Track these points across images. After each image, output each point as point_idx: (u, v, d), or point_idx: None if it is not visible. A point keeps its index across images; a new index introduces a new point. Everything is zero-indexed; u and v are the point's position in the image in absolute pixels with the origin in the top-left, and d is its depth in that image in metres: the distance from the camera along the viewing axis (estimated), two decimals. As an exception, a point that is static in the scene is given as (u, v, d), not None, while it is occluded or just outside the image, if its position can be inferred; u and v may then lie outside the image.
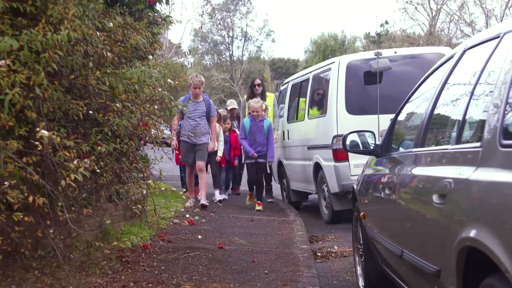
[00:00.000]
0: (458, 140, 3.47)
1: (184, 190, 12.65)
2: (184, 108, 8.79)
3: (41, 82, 4.82)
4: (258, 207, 11.48)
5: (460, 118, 3.52)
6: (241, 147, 12.48)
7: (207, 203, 11.06)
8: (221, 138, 12.73)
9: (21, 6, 5.03)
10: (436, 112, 4.16)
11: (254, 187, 11.92)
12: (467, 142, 3.36)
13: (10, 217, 4.81)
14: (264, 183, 12.46)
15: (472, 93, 3.44)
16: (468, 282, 3.00)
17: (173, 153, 11.57)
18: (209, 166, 12.37)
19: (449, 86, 4.09)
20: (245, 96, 13.24)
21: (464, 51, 4.00)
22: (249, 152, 11.62)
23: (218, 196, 12.47)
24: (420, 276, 3.90)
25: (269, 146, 11.66)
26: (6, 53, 4.66)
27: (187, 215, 9.46)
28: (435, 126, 4.21)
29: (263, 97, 12.57)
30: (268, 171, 12.49)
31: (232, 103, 14.96)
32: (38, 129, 4.69)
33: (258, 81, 13.00)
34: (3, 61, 4.58)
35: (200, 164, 11.22)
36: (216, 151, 12.24)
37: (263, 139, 11.63)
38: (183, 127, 11.17)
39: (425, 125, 4.22)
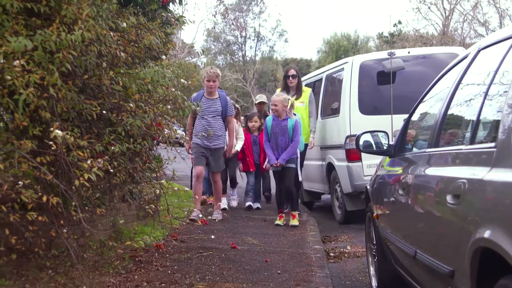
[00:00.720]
0: (472, 141, 3.46)
1: (208, 195, 11.56)
2: (198, 108, 7.88)
3: (55, 82, 4.84)
4: (292, 222, 9.42)
5: (474, 118, 3.50)
6: None
7: (221, 216, 9.84)
8: (241, 135, 11.16)
9: (35, 7, 5.05)
10: (450, 112, 4.15)
11: (284, 199, 9.82)
12: (482, 142, 3.35)
13: (24, 217, 4.82)
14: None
15: (486, 93, 3.43)
16: (482, 283, 2.99)
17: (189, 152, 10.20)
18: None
19: (463, 86, 4.08)
20: (278, 90, 11.23)
21: (478, 51, 3.99)
22: (271, 159, 9.52)
23: (234, 202, 11.57)
24: (433, 277, 3.88)
25: (289, 148, 9.42)
26: (21, 53, 4.68)
27: (200, 215, 9.46)
28: (449, 126, 4.19)
29: (298, 91, 10.87)
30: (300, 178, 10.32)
31: (261, 97, 12.68)
32: (52, 129, 4.71)
33: (292, 71, 11.01)
34: (18, 61, 4.60)
35: (216, 175, 9.90)
36: (237, 153, 10.94)
37: (287, 142, 9.46)
38: (195, 128, 9.66)
39: (439, 125, 4.21)
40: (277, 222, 9.51)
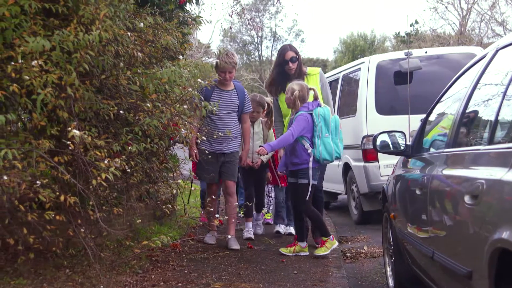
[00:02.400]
0: (491, 141, 3.44)
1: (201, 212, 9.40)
2: (214, 108, 6.77)
3: (72, 82, 4.87)
4: (319, 251, 7.29)
5: (493, 118, 3.48)
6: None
7: (238, 247, 7.55)
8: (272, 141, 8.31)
9: (53, 7, 5.08)
10: (468, 112, 4.13)
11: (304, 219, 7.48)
12: (500, 142, 3.33)
13: (42, 216, 4.86)
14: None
15: (504, 93, 3.40)
16: (500, 284, 2.97)
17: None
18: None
19: (481, 86, 4.05)
20: (269, 80, 8.22)
21: (497, 51, 3.96)
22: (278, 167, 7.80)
23: (259, 228, 8.88)
24: (451, 278, 3.87)
25: (277, 139, 7.42)
26: (39, 54, 4.71)
27: (217, 215, 9.49)
28: (467, 127, 4.17)
29: (301, 77, 7.82)
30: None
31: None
32: (69, 128, 4.73)
33: (290, 54, 7.83)
34: (36, 62, 4.63)
35: (230, 185, 7.80)
36: (259, 164, 8.34)
37: (292, 143, 7.21)
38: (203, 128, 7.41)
39: (456, 125, 4.19)
40: (283, 250, 7.40)
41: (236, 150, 7.84)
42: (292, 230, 8.52)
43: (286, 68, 7.84)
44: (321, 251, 7.22)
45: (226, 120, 7.65)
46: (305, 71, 7.97)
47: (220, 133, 7.42)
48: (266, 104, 8.88)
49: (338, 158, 7.55)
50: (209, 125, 7.50)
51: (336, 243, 7.46)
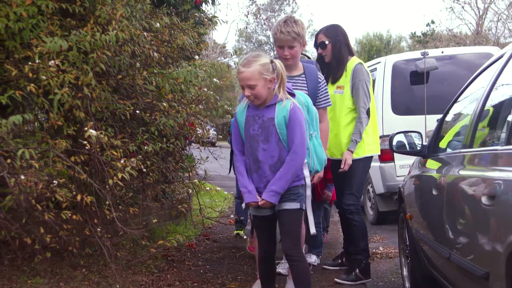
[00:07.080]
0: (508, 141, 3.42)
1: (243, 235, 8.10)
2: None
3: (89, 82, 4.89)
4: None
5: (510, 118, 3.46)
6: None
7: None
8: None
9: (70, 7, 5.11)
10: (485, 112, 4.10)
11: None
12: (517, 143, 3.31)
13: (58, 215, 4.88)
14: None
15: (522, 93, 3.39)
16: (518, 285, 2.95)
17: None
18: None
19: (499, 86, 4.03)
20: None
21: (514, 51, 3.94)
22: (245, 193, 4.41)
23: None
24: (468, 279, 3.84)
25: (283, 169, 4.30)
26: (56, 54, 4.73)
27: (232, 215, 9.49)
28: (484, 127, 4.15)
29: (336, 69, 6.40)
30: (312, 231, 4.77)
31: None
32: (86, 128, 4.75)
33: (320, 38, 6.50)
34: (53, 62, 4.65)
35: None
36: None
37: (279, 155, 4.35)
38: None
39: (473, 125, 4.16)
40: None
41: None
42: (313, 259, 6.73)
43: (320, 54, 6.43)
44: None
45: None
46: (346, 62, 6.46)
47: None
48: None
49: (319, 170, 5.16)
50: None
51: None
